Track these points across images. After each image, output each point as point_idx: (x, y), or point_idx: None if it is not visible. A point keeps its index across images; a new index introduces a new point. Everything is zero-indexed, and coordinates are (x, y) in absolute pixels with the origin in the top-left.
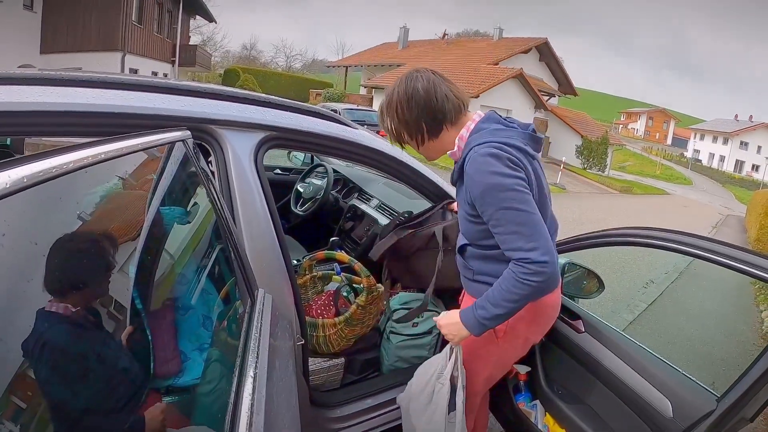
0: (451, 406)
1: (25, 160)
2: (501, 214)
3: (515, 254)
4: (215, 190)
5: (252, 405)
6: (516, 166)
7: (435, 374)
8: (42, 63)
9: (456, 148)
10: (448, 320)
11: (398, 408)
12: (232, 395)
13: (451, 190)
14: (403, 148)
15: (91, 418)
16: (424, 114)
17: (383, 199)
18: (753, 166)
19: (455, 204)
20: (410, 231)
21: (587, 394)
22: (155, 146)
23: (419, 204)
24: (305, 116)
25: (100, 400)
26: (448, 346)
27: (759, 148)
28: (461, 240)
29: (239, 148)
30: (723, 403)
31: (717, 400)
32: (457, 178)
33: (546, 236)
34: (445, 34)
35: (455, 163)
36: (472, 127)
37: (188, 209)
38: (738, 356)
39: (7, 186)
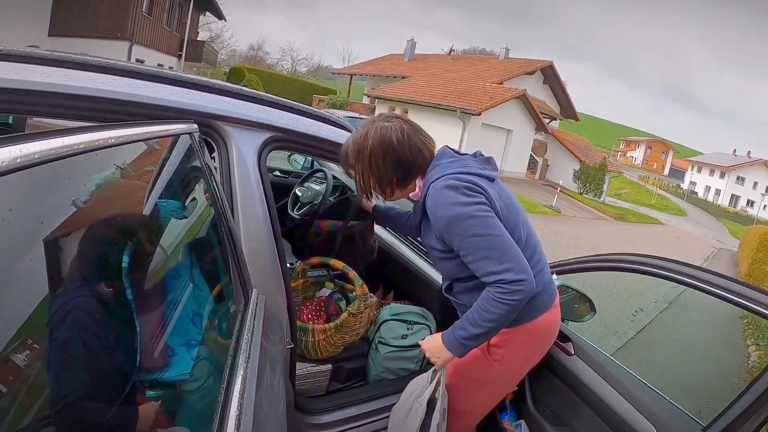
0: (425, 428)
1: (36, 137)
2: (468, 242)
3: (489, 278)
4: (217, 186)
5: (241, 405)
6: (473, 192)
7: (415, 393)
8: (49, 45)
9: (417, 189)
10: (432, 343)
11: (381, 419)
12: (222, 394)
13: None
14: (369, 197)
15: (73, 405)
16: (399, 169)
17: None
18: (748, 201)
19: (369, 202)
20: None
21: (573, 417)
22: (163, 136)
23: None
24: (312, 120)
25: (85, 386)
26: (432, 369)
27: (755, 184)
28: (444, 280)
29: (244, 146)
30: None
31: (702, 429)
32: (421, 217)
33: (517, 255)
34: (451, 50)
35: (415, 204)
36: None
37: (187, 203)
38: (723, 388)
39: (18, 160)
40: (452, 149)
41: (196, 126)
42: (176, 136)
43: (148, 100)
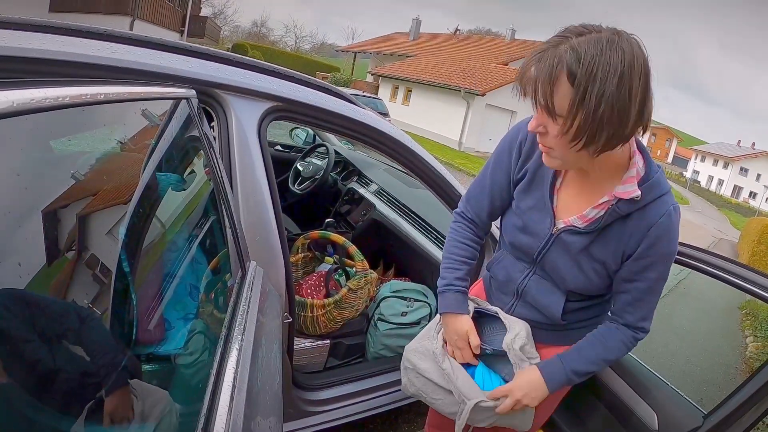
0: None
1: (14, 86)
2: (659, 284)
3: (643, 323)
4: (216, 156)
5: (235, 379)
6: None
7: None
8: None
9: (635, 179)
10: (528, 383)
11: (380, 396)
12: (215, 368)
13: (453, 180)
14: (583, 143)
15: (67, 377)
16: (643, 103)
17: (383, 185)
18: (750, 192)
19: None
20: None
21: (573, 400)
22: (158, 98)
23: (418, 193)
24: (314, 90)
25: (80, 361)
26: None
27: (758, 175)
28: (567, 296)
29: (244, 116)
30: (709, 420)
31: (703, 416)
32: (609, 223)
33: None
34: (457, 30)
35: (613, 201)
36: (644, 160)
37: (186, 174)
38: (721, 378)
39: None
40: None
41: (194, 92)
42: (175, 105)
43: (146, 66)
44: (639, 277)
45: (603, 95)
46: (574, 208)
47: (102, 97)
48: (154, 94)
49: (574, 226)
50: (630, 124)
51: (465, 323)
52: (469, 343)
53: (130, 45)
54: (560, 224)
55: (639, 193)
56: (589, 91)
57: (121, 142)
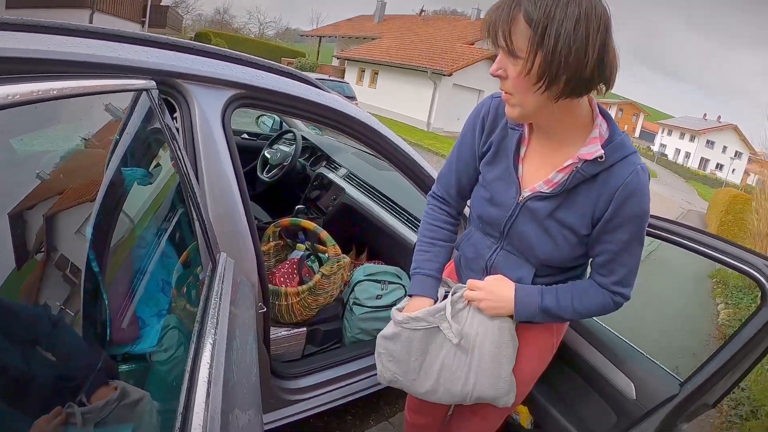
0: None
1: None
2: (635, 248)
3: (618, 287)
4: (180, 147)
5: (210, 374)
6: None
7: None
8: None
9: (598, 140)
10: (495, 288)
11: (359, 381)
12: (189, 363)
13: (422, 161)
14: (545, 85)
15: (43, 382)
16: (602, 53)
17: (351, 169)
18: (717, 164)
19: None
20: None
21: (549, 373)
22: (116, 91)
23: (387, 175)
24: (278, 76)
25: (54, 364)
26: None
27: (724, 148)
28: (536, 268)
29: (207, 105)
30: (686, 388)
31: (680, 384)
32: (575, 186)
33: None
34: (422, 11)
35: (577, 164)
36: (608, 125)
37: (150, 167)
38: (694, 345)
39: None
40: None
41: (153, 83)
42: (135, 98)
43: (102, 59)
44: (609, 239)
45: (560, 35)
46: (540, 175)
47: (55, 92)
48: (112, 87)
49: (540, 192)
50: (589, 67)
51: (424, 307)
52: None
53: (85, 37)
54: (526, 192)
55: (602, 152)
56: (547, 32)
57: (84, 139)
